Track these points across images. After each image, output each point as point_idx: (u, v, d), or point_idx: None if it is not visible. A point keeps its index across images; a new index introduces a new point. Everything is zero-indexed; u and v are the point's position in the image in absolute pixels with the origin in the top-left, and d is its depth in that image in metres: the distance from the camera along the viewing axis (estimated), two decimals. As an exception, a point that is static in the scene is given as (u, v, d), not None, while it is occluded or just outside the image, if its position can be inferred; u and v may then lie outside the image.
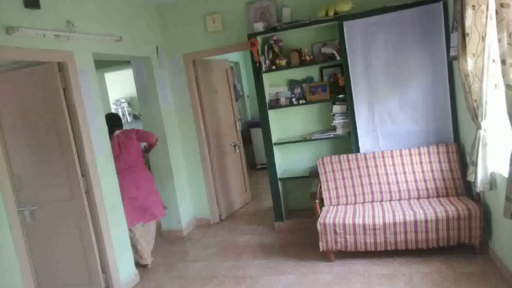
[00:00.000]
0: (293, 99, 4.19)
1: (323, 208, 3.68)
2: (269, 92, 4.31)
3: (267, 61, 4.17)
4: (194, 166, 4.84)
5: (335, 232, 3.31)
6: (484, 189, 2.83)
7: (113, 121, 3.79)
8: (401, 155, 3.69)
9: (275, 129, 4.34)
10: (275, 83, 4.38)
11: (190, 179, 4.90)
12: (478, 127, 2.77)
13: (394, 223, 3.18)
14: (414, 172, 3.62)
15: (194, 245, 4.33)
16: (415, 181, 3.60)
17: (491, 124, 2.76)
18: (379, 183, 3.68)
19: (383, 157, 3.72)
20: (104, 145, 3.42)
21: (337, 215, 3.43)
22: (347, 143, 4.02)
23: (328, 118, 4.23)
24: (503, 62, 2.11)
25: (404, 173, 3.64)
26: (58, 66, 3.07)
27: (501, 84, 2.28)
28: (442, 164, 3.55)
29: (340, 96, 3.96)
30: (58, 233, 3.28)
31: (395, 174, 3.66)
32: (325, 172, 3.84)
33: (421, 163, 3.62)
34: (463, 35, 2.68)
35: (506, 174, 2.33)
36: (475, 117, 2.80)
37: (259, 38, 4.08)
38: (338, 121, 4.05)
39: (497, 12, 2.10)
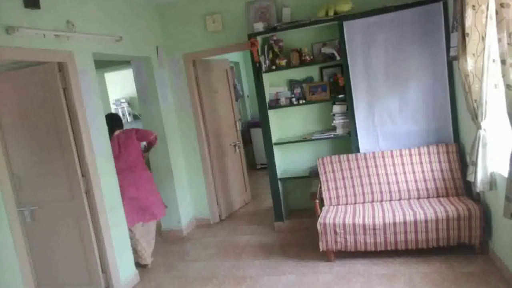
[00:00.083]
0: (293, 99, 4.19)
1: (323, 208, 3.68)
2: (269, 92, 4.31)
3: (267, 61, 4.17)
4: (194, 166, 4.84)
5: (335, 232, 3.31)
6: (484, 189, 2.83)
7: (113, 121, 3.80)
8: (401, 155, 3.69)
9: (275, 129, 4.35)
10: (275, 83, 4.38)
11: (190, 179, 4.90)
12: (478, 127, 2.77)
13: (394, 223, 3.19)
14: (414, 172, 3.62)
15: (194, 245, 4.33)
16: (415, 181, 3.60)
17: (491, 124, 2.76)
18: (379, 183, 3.68)
19: (383, 157, 3.73)
20: (104, 145, 3.42)
21: (337, 215, 3.43)
22: (347, 143, 4.02)
23: (328, 118, 4.23)
24: (503, 62, 2.11)
25: (404, 173, 3.64)
26: (58, 66, 3.07)
27: (501, 84, 2.28)
28: (442, 164, 3.55)
29: (340, 96, 3.96)
30: (58, 233, 3.28)
31: (395, 174, 3.66)
32: (325, 172, 3.84)
33: (421, 163, 3.62)
34: (463, 35, 2.68)
35: (506, 174, 2.33)
36: (475, 117, 2.80)
37: (259, 38, 4.08)
38: (338, 121, 4.05)
39: (497, 12, 2.10)
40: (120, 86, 6.90)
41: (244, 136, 6.31)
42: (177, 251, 4.23)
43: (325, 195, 3.79)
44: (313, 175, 4.06)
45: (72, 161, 3.14)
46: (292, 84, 4.33)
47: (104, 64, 5.31)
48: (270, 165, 4.25)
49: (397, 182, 3.64)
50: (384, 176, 3.68)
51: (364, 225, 3.24)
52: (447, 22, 3.46)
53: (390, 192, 3.65)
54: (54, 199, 3.23)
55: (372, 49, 3.73)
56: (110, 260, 3.31)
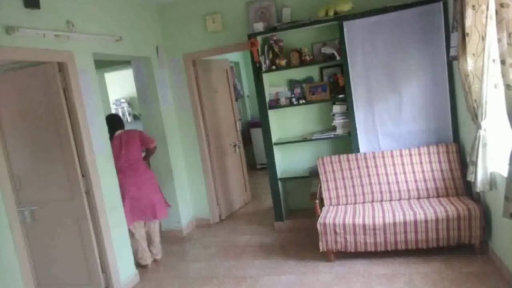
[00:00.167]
0: (293, 99, 4.19)
1: (323, 208, 3.68)
2: (269, 92, 4.31)
3: (267, 61, 4.17)
4: (194, 166, 4.84)
5: (335, 232, 3.31)
6: (484, 189, 2.83)
7: (115, 121, 3.80)
8: (401, 155, 3.69)
9: (275, 129, 4.34)
10: (275, 83, 4.38)
11: (190, 179, 4.90)
12: (478, 127, 2.78)
13: (394, 223, 3.18)
14: (414, 172, 3.62)
15: (194, 245, 4.33)
16: (415, 181, 3.60)
17: (491, 124, 2.76)
18: (379, 183, 3.68)
19: (383, 157, 3.72)
20: (104, 145, 3.42)
21: (337, 215, 3.43)
22: (347, 143, 4.02)
23: (328, 118, 4.23)
24: (503, 62, 2.11)
25: (404, 173, 3.64)
26: (58, 66, 3.07)
27: (501, 84, 2.28)
28: (442, 164, 3.55)
29: (340, 96, 3.96)
30: (58, 233, 3.28)
31: (395, 174, 3.66)
32: (325, 172, 3.84)
33: (421, 163, 3.62)
34: (463, 35, 2.68)
35: (505, 174, 2.33)
36: (475, 117, 2.80)
37: (259, 38, 4.08)
38: (338, 121, 4.05)
39: (497, 12, 2.11)
40: (120, 86, 6.90)
41: (244, 136, 6.31)
42: (177, 251, 4.23)
43: (325, 195, 3.79)
44: (313, 175, 4.06)
45: (72, 161, 3.14)
46: (292, 84, 4.33)
47: (104, 64, 5.31)
48: (270, 165, 4.25)
49: (397, 182, 3.64)
50: (384, 176, 3.68)
51: (364, 225, 3.24)
52: (447, 22, 3.46)
53: (390, 192, 3.65)
54: (54, 199, 3.23)
55: (372, 49, 3.73)
56: (110, 260, 3.31)
